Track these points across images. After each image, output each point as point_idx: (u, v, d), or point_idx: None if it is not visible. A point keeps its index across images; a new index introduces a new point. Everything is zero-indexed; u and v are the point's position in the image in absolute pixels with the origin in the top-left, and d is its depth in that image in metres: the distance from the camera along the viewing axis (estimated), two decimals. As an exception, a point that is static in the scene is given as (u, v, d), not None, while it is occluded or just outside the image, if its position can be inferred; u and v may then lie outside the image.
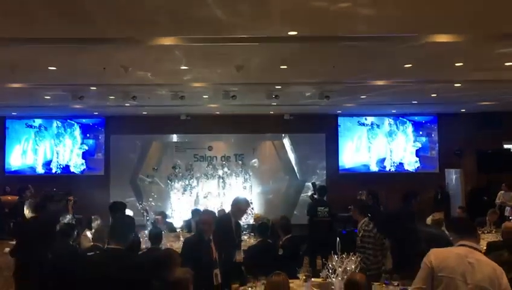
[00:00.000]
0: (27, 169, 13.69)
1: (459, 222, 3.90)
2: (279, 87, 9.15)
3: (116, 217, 4.59)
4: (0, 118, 13.72)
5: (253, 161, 13.50)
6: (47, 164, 13.80)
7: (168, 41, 5.99)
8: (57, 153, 13.85)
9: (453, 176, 13.42)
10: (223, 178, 13.01)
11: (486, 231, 8.03)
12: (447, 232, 7.44)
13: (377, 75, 8.34)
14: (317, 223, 8.70)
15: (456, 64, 7.32)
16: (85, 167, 13.81)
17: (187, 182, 12.98)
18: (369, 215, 5.87)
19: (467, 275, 3.09)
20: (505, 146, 13.50)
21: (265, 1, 4.53)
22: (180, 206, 12.85)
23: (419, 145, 13.91)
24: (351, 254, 4.36)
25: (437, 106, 12.25)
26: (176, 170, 13.22)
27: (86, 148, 13.87)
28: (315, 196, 9.70)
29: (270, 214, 10.07)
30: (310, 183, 12.09)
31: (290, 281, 4.76)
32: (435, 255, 3.22)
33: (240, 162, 13.20)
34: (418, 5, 4.64)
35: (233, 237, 5.81)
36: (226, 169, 13.23)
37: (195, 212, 9.02)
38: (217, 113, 13.08)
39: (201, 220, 5.19)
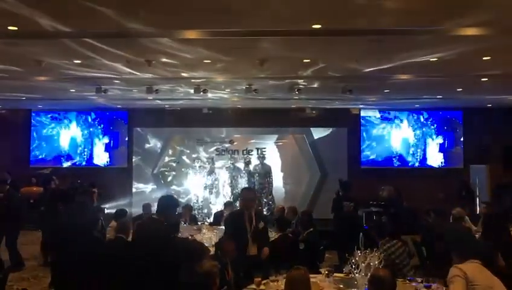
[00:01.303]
0: (52, 161, 13.94)
1: (468, 244, 4.15)
2: (302, 81, 9.09)
3: (162, 197, 4.99)
4: (26, 111, 14.00)
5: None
6: (71, 157, 14.03)
7: (191, 34, 6.00)
8: (81, 146, 14.07)
9: (478, 172, 13.19)
10: (244, 171, 12.99)
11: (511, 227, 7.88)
12: (470, 226, 7.38)
13: (401, 69, 8.21)
14: (342, 219, 8.66)
15: (484, 58, 7.16)
16: (108, 159, 14.00)
17: (208, 175, 13.02)
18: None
19: (493, 284, 3.66)
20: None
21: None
22: (201, 199, 12.92)
23: (444, 141, 13.69)
24: (375, 249, 4.32)
25: (462, 100, 12.03)
26: (198, 163, 13.28)
27: (109, 141, 14.05)
28: (340, 193, 9.66)
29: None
30: (335, 179, 12.07)
31: (313, 276, 4.76)
32: (465, 268, 3.65)
33: (262, 155, 13.18)
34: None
35: (244, 231, 5.62)
36: (247, 162, 13.20)
37: (228, 204, 9.16)
38: (239, 106, 13.09)
39: (242, 196, 5.95)
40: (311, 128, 13.67)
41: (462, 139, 13.60)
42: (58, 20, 5.31)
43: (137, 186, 13.66)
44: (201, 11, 5.02)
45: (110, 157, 14.00)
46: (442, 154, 13.68)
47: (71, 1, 4.68)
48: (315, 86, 9.70)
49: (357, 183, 10.85)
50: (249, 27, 5.59)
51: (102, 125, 14.12)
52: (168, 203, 4.75)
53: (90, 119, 14.13)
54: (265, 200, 12.24)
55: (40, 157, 14.00)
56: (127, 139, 13.99)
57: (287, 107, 13.08)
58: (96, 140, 14.09)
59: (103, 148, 14.06)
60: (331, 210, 9.62)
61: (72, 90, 10.38)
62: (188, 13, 5.10)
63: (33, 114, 14.08)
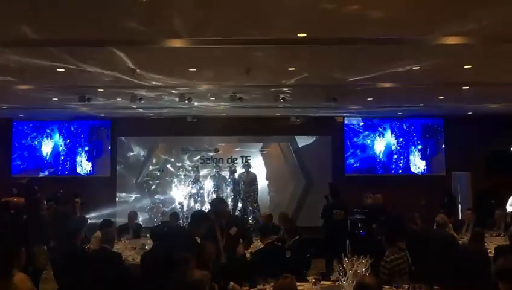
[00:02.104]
0: (34, 171, 13.72)
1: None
2: (287, 89, 9.13)
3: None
4: (7, 120, 13.78)
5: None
6: (53, 166, 13.83)
7: (176, 43, 5.99)
8: (64, 155, 13.89)
9: (460, 179, 13.36)
10: (229, 180, 12.98)
11: (495, 234, 8.01)
12: (453, 233, 7.44)
13: (385, 78, 8.30)
14: (333, 226, 8.69)
15: (465, 67, 7.28)
16: (91, 168, 13.84)
17: (193, 184, 12.97)
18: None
19: None
20: (512, 148, 13.45)
21: (275, 3, 4.52)
22: (186, 207, 12.86)
23: (426, 148, 13.86)
24: (362, 256, 4.34)
25: (444, 108, 12.20)
26: (182, 172, 13.22)
27: (92, 150, 13.90)
28: (330, 200, 9.72)
29: (277, 216, 10.04)
30: (319, 187, 12.15)
31: (300, 283, 4.76)
32: None
33: (247, 163, 13.18)
34: (426, 7, 4.62)
35: (215, 241, 5.60)
36: (232, 170, 13.20)
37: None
38: (224, 115, 13.08)
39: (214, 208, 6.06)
40: (295, 137, 13.73)
41: (443, 146, 13.79)
42: (39, 28, 5.25)
43: (120, 195, 13.53)
44: (186, 20, 5.01)
45: (93, 166, 13.84)
46: (424, 161, 13.84)
47: (53, 9, 4.63)
48: (300, 94, 9.75)
49: (341, 191, 10.89)
50: (235, 36, 5.60)
51: (84, 134, 13.97)
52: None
53: (72, 128, 13.97)
54: (250, 208, 12.24)
55: (21, 167, 13.78)
56: (110, 148, 13.86)
57: (272, 116, 13.11)
58: (78, 149, 13.92)
59: (86, 157, 13.89)
60: (320, 216, 9.65)
61: (54, 99, 10.26)
62: (173, 21, 5.10)
63: (14, 123, 13.86)
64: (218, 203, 6.46)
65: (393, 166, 13.86)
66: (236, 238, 5.88)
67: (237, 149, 13.72)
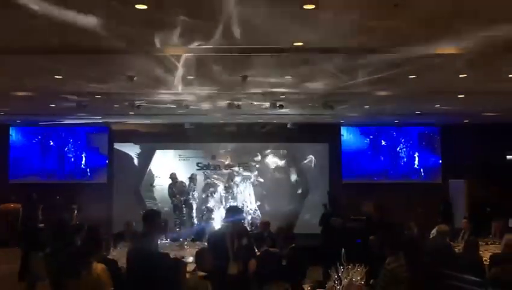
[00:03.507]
0: (31, 177, 13.70)
1: None
2: (284, 97, 9.18)
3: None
4: (4, 126, 13.77)
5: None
6: (51, 172, 13.82)
7: (173, 51, 6.03)
8: (61, 161, 13.88)
9: (456, 187, 13.40)
10: (226, 187, 13.01)
11: (490, 242, 8.03)
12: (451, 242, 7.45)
13: (381, 86, 8.36)
14: (331, 234, 8.71)
15: (460, 76, 7.34)
16: (88, 175, 13.83)
17: (190, 191, 12.98)
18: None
19: None
20: (508, 157, 13.50)
21: (271, 11, 4.56)
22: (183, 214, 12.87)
23: (422, 156, 13.91)
24: (357, 265, 4.35)
25: (440, 116, 12.26)
26: (179, 179, 13.21)
27: (90, 156, 13.89)
28: (328, 207, 9.74)
29: (273, 224, 10.06)
30: (316, 194, 12.20)
31: (295, 292, 4.77)
32: None
33: (245, 171, 13.23)
34: (422, 17, 4.67)
35: (226, 249, 5.60)
36: (233, 178, 13.25)
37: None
38: (221, 122, 13.11)
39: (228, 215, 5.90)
40: (292, 144, 13.75)
41: (440, 154, 13.84)
42: (37, 36, 5.29)
43: (117, 202, 13.49)
44: (183, 27, 5.05)
45: (90, 173, 13.83)
46: (421, 169, 13.89)
47: (47, 18, 4.66)
48: (297, 102, 9.80)
49: (339, 199, 10.94)
50: (232, 44, 5.64)
51: (82, 141, 13.97)
52: None
53: (70, 135, 13.97)
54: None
55: (18, 173, 13.75)
56: (107, 154, 13.86)
57: (269, 122, 13.14)
58: (76, 155, 13.91)
59: (83, 163, 13.88)
60: (319, 224, 9.66)
61: (52, 106, 10.28)
62: (171, 29, 5.14)
63: (11, 129, 13.87)
64: (235, 212, 6.43)
65: (390, 174, 13.89)
66: (246, 249, 5.81)
67: (234, 156, 13.73)
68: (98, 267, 4.12)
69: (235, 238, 5.68)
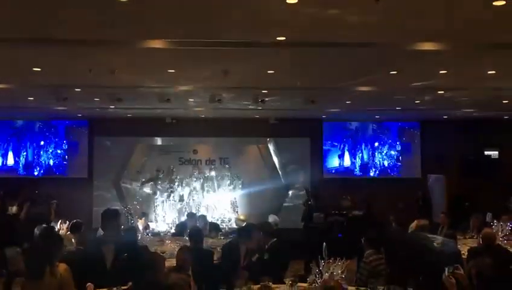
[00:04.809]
0: (8, 171, 13.47)
1: None
2: (266, 91, 9.18)
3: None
4: (-19, 119, 13.51)
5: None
6: (29, 166, 13.60)
7: (155, 44, 5.97)
8: (39, 155, 13.66)
9: (435, 182, 13.59)
10: (207, 182, 13.02)
11: (468, 237, 8.17)
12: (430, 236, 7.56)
13: (362, 81, 8.42)
14: (313, 229, 8.75)
15: (440, 72, 7.43)
16: (68, 169, 13.64)
17: (171, 186, 12.94)
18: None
19: None
20: (486, 152, 13.74)
21: (254, 6, 4.55)
22: (163, 209, 12.83)
23: (402, 151, 14.07)
24: (338, 258, 4.39)
25: (420, 112, 12.41)
26: (160, 173, 13.15)
27: (69, 150, 13.69)
28: (310, 202, 9.78)
29: (255, 218, 10.09)
30: (298, 188, 12.25)
31: (276, 286, 4.80)
32: None
33: (227, 165, 13.22)
34: (402, 13, 4.71)
35: (238, 264, 5.61)
36: (211, 173, 13.26)
37: (191, 215, 9.08)
38: (203, 116, 13.05)
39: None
40: (274, 138, 13.77)
41: (420, 149, 14.01)
42: (17, 26, 5.19)
43: (97, 196, 13.35)
44: (165, 20, 5.01)
45: (69, 167, 13.64)
46: (400, 164, 14.05)
47: (31, 7, 4.58)
48: (279, 96, 9.81)
49: (320, 194, 11.01)
50: (214, 38, 5.62)
51: (61, 134, 13.76)
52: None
53: (49, 128, 13.74)
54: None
55: (-5, 167, 13.52)
56: (87, 148, 13.67)
57: (251, 117, 13.14)
58: (55, 149, 13.70)
59: (63, 157, 13.68)
60: (301, 220, 9.70)
61: (30, 98, 10.10)
62: (152, 23, 5.09)
63: (-12, 122, 13.61)
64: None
65: (370, 168, 14.02)
66: (256, 266, 5.74)
67: (216, 150, 13.70)
68: (61, 267, 3.99)
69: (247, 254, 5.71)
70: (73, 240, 6.89)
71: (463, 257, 6.17)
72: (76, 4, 4.50)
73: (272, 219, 8.39)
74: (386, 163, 14.05)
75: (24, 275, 6.21)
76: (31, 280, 3.87)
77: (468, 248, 6.67)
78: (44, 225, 7.45)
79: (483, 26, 5.06)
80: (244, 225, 8.40)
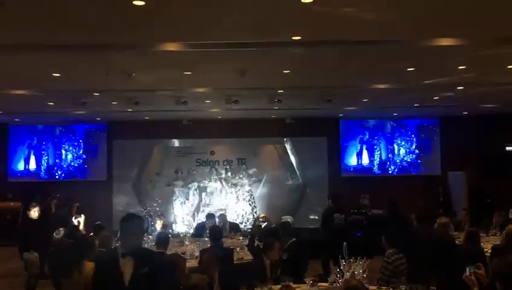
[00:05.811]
0: (30, 175, 13.69)
1: None
2: (282, 91, 9.16)
3: None
4: (3, 125, 13.74)
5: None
6: (50, 170, 13.80)
7: (171, 46, 6.01)
8: (60, 159, 13.86)
9: (456, 179, 13.41)
10: (225, 182, 13.07)
11: (491, 234, 8.04)
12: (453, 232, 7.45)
13: (379, 79, 8.35)
14: (334, 230, 8.71)
15: (459, 68, 7.33)
16: (87, 172, 13.81)
17: (189, 187, 13.02)
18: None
19: None
20: (507, 148, 13.49)
21: (269, 6, 4.55)
22: (182, 211, 12.90)
23: (422, 148, 13.89)
24: (359, 258, 4.36)
25: (439, 108, 12.25)
26: (178, 175, 13.23)
27: (89, 153, 13.86)
28: (329, 203, 9.76)
29: (273, 218, 10.07)
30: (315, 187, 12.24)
31: (297, 285, 4.78)
32: None
33: (244, 166, 13.24)
34: (420, 9, 4.66)
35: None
36: (228, 173, 13.29)
37: (209, 216, 9.13)
38: (219, 117, 13.09)
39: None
40: (291, 138, 13.74)
41: (439, 146, 13.81)
42: (37, 32, 5.26)
43: (117, 199, 13.48)
44: (181, 23, 5.03)
45: (89, 170, 13.81)
46: (420, 161, 13.87)
47: (51, 13, 4.64)
48: (295, 96, 9.78)
49: (339, 193, 10.93)
50: (230, 39, 5.62)
51: (81, 138, 13.93)
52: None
53: (69, 132, 13.93)
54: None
55: (17, 171, 13.73)
56: (106, 151, 13.83)
57: (267, 117, 13.13)
58: (75, 153, 13.88)
59: (82, 161, 13.86)
60: (321, 223, 9.65)
61: (50, 104, 10.25)
62: (168, 25, 5.12)
63: (10, 128, 13.83)
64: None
65: (390, 166, 13.89)
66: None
67: (233, 151, 13.72)
68: (88, 265, 4.08)
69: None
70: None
71: (486, 254, 6.08)
72: (94, 9, 4.55)
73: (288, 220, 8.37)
74: (405, 160, 13.89)
75: (49, 275, 6.32)
76: (59, 277, 3.98)
77: (491, 245, 6.56)
78: (65, 227, 7.56)
79: (505, 19, 4.98)
80: (264, 226, 8.39)
